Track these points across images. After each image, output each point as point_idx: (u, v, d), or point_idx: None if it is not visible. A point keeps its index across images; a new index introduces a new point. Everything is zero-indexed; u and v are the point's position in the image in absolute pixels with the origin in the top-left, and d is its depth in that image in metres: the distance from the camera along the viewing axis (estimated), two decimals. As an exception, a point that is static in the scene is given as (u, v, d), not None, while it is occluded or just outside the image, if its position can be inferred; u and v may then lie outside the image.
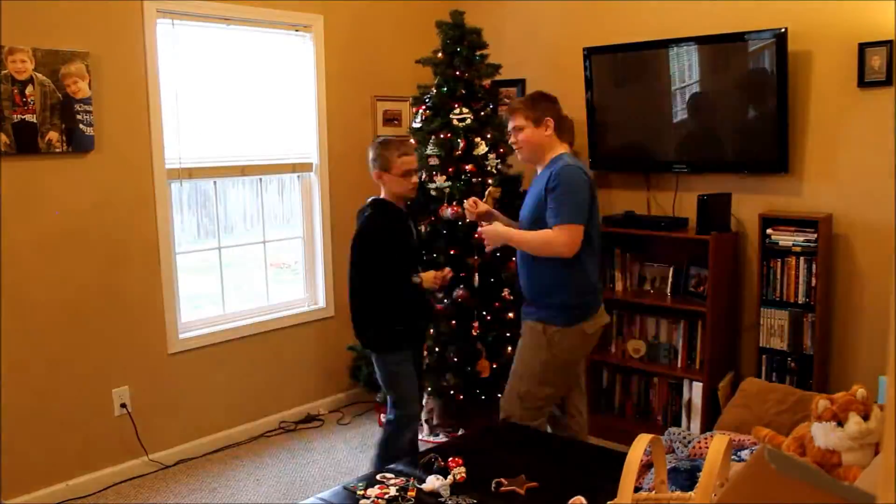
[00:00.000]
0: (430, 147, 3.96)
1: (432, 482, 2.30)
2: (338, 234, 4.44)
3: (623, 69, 4.10)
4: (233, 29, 3.95)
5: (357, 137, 4.52)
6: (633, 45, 4.00)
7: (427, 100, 4.09)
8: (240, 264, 4.20)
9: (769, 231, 3.56)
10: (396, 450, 3.08)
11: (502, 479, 2.32)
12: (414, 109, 4.20)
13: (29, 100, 3.17)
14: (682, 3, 3.95)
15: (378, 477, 2.41)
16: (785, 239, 3.52)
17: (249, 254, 4.24)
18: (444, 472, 2.37)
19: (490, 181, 3.96)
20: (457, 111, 3.95)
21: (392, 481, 2.35)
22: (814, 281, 3.46)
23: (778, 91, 3.54)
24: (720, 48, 3.71)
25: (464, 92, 3.99)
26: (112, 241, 3.51)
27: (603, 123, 4.20)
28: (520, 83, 4.63)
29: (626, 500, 1.54)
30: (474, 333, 3.92)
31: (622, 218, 4.04)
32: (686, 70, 3.83)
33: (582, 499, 2.19)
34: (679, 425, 3.87)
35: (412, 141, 4.13)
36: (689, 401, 3.84)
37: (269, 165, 4.18)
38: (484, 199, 3.94)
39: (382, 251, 3.05)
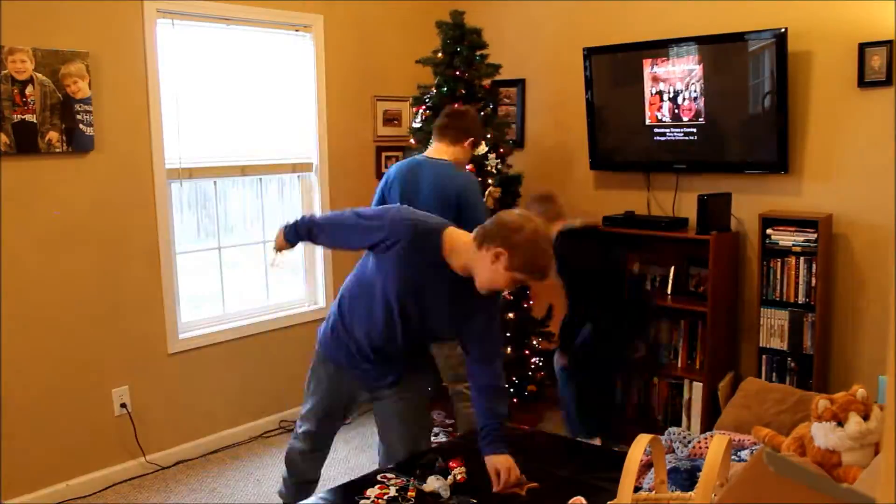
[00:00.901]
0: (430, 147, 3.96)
1: (432, 482, 2.30)
2: (338, 233, 4.44)
3: (623, 69, 4.10)
4: (233, 29, 3.95)
5: (357, 137, 4.52)
6: (633, 45, 4.00)
7: (427, 100, 4.09)
8: (240, 264, 4.20)
9: (769, 231, 3.56)
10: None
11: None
12: (414, 109, 4.20)
13: (29, 100, 3.17)
14: (682, 3, 3.95)
15: (378, 477, 2.41)
16: (785, 239, 3.52)
17: (249, 254, 4.24)
18: (444, 473, 2.37)
19: (490, 181, 3.96)
20: (457, 111, 3.94)
21: (392, 481, 2.35)
22: (814, 281, 3.46)
23: (778, 91, 3.54)
24: (720, 48, 3.71)
25: (464, 92, 3.99)
26: (112, 241, 3.51)
27: (603, 123, 4.19)
28: (520, 83, 4.63)
29: (626, 500, 1.55)
30: (474, 333, 3.92)
31: (622, 218, 4.04)
32: (686, 70, 3.83)
33: (582, 499, 2.19)
34: (679, 425, 3.87)
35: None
36: (689, 401, 3.84)
37: (269, 165, 4.18)
38: (484, 199, 3.95)
39: None
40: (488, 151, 3.97)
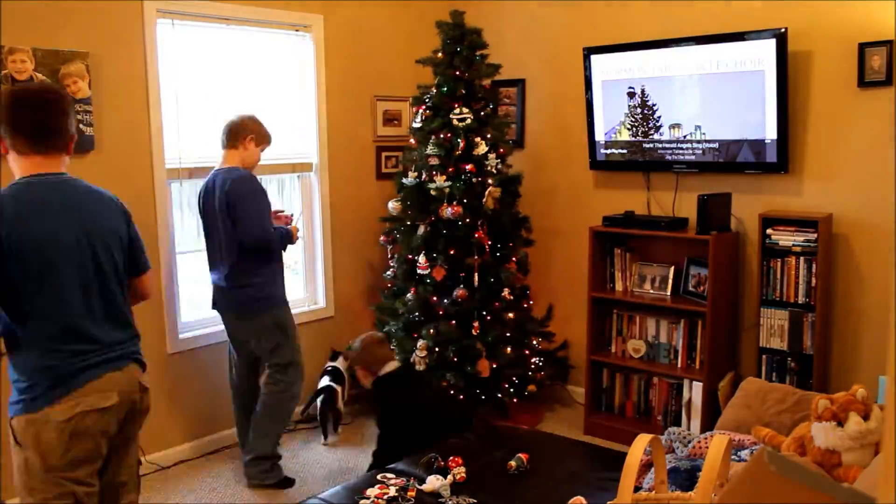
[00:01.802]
0: (430, 147, 3.97)
1: (432, 482, 2.30)
2: (338, 234, 4.44)
3: (623, 69, 4.10)
4: (233, 29, 3.95)
5: (357, 137, 4.52)
6: (633, 45, 4.00)
7: (427, 100, 4.09)
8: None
9: (769, 231, 3.56)
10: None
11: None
12: (414, 109, 4.20)
13: (29, 100, 3.16)
14: (682, 3, 3.95)
15: (378, 477, 2.41)
16: (785, 239, 3.52)
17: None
18: (444, 472, 2.37)
19: (490, 181, 3.96)
20: (457, 111, 3.95)
21: (392, 481, 2.36)
22: (814, 281, 3.46)
23: (778, 91, 3.54)
24: (720, 48, 3.71)
25: (464, 92, 3.99)
26: (112, 241, 3.51)
27: (603, 123, 4.19)
28: (520, 83, 4.63)
29: (626, 500, 1.55)
30: (474, 333, 3.92)
31: (622, 218, 4.04)
32: (686, 70, 3.83)
33: (582, 499, 2.19)
34: (679, 425, 3.87)
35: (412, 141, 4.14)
36: (689, 401, 3.84)
37: (269, 165, 4.18)
38: (484, 200, 3.95)
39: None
40: (488, 151, 3.97)
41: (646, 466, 2.27)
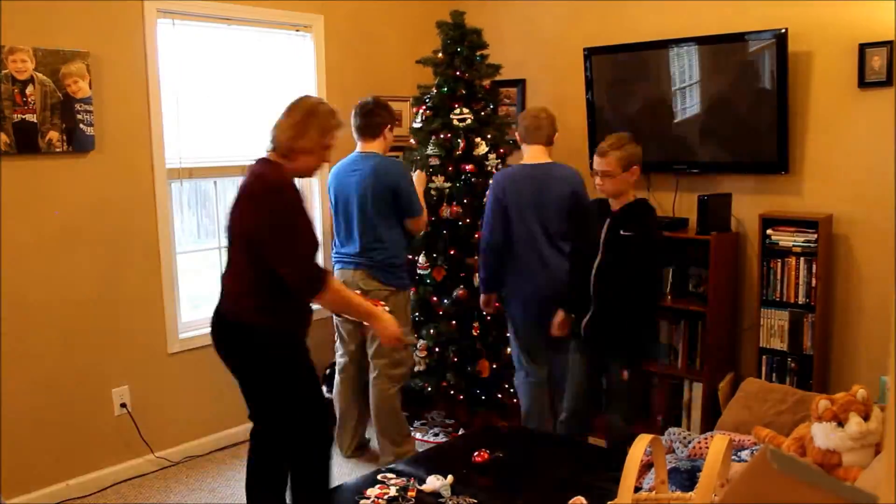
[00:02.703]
0: (430, 147, 3.97)
1: (432, 482, 2.30)
2: (338, 234, 4.44)
3: (623, 69, 4.10)
4: (233, 29, 3.95)
5: (357, 137, 4.51)
6: (633, 46, 4.00)
7: (427, 100, 4.09)
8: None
9: (769, 231, 3.56)
10: None
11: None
12: (414, 109, 4.20)
13: (29, 99, 3.17)
14: (682, 3, 3.95)
15: (378, 477, 2.41)
16: (785, 239, 3.52)
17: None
18: (445, 473, 2.37)
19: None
20: (457, 111, 3.95)
21: (392, 481, 2.36)
22: (814, 281, 3.46)
23: (778, 91, 3.54)
24: (720, 48, 3.71)
25: (464, 92, 3.99)
26: (112, 241, 3.51)
27: (603, 123, 4.19)
28: (520, 83, 4.63)
29: (626, 500, 1.55)
30: (474, 333, 3.92)
31: (622, 218, 4.03)
32: (686, 70, 3.83)
33: (582, 499, 2.19)
34: (679, 425, 3.87)
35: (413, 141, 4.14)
36: (689, 401, 3.84)
37: (270, 165, 4.18)
38: (485, 200, 3.94)
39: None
40: (489, 151, 3.97)
41: (646, 466, 2.26)
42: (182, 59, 3.76)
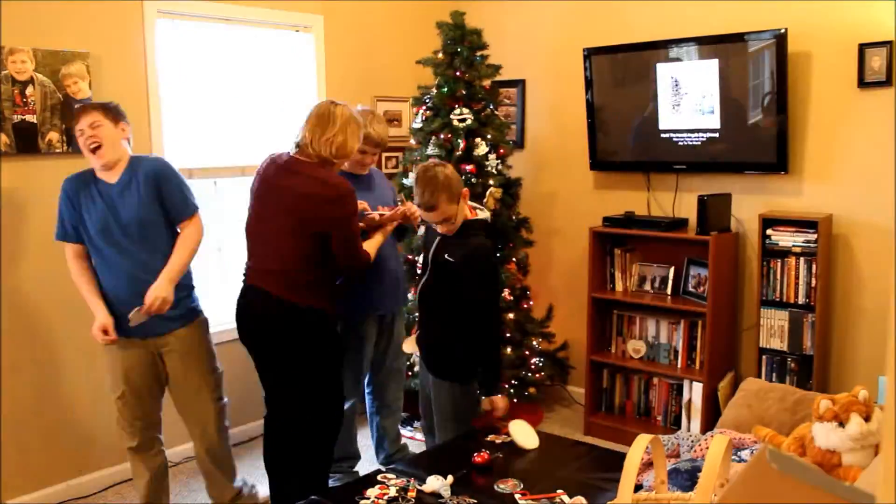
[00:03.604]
0: (430, 147, 3.97)
1: (432, 482, 2.30)
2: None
3: (623, 69, 4.10)
4: (233, 29, 3.95)
5: (357, 137, 4.52)
6: (633, 46, 4.00)
7: (427, 100, 4.09)
8: (240, 264, 4.18)
9: (769, 231, 3.56)
10: None
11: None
12: (414, 110, 4.20)
13: (29, 100, 3.17)
14: (682, 3, 3.95)
15: (378, 477, 2.41)
16: (785, 239, 3.52)
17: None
18: (445, 473, 2.37)
19: (491, 182, 3.96)
20: (457, 112, 3.95)
21: (392, 481, 2.36)
22: (814, 281, 3.46)
23: (778, 91, 3.54)
24: (720, 48, 3.71)
25: (464, 92, 3.99)
26: (112, 242, 3.51)
27: (603, 123, 4.20)
28: (520, 83, 4.63)
29: (626, 500, 1.55)
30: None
31: (622, 218, 4.04)
32: (686, 71, 3.83)
33: (582, 499, 2.19)
34: (679, 425, 3.88)
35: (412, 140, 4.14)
36: (689, 401, 3.84)
37: (270, 165, 4.18)
38: (485, 201, 3.95)
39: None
40: (489, 152, 3.97)
41: (646, 466, 2.27)
42: (182, 59, 3.76)
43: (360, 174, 3.31)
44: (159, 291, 2.76)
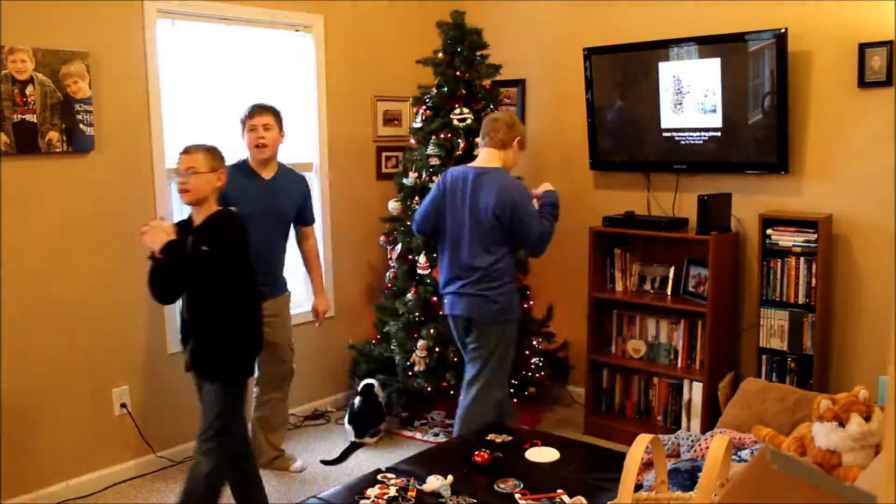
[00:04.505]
0: (430, 147, 3.97)
1: (432, 482, 2.30)
2: (338, 234, 4.44)
3: (623, 69, 4.10)
4: (233, 29, 3.95)
5: (357, 137, 4.52)
6: (633, 46, 4.00)
7: (427, 100, 4.09)
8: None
9: (769, 231, 3.56)
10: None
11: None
12: (414, 109, 4.20)
13: (29, 100, 3.17)
14: (682, 3, 3.95)
15: (378, 477, 2.41)
16: (785, 239, 3.52)
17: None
18: (445, 473, 2.37)
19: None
20: (457, 111, 3.95)
21: (392, 481, 2.36)
22: (814, 281, 3.46)
23: (778, 91, 3.54)
24: (720, 48, 3.71)
25: (464, 92, 3.99)
26: (112, 241, 3.51)
27: (603, 123, 4.19)
28: (520, 83, 4.63)
29: (626, 500, 1.55)
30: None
31: (622, 218, 4.04)
32: (686, 70, 3.83)
33: (582, 499, 2.19)
34: (679, 425, 3.88)
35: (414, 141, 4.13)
36: (689, 401, 3.84)
37: (270, 165, 4.18)
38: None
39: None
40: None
41: (646, 466, 2.26)
42: (182, 59, 3.76)
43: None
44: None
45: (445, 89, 3.99)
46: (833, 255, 3.60)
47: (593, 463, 2.52)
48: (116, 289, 3.54)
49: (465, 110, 3.95)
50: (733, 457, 2.16)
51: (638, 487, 2.03)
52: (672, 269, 4.00)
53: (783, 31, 3.48)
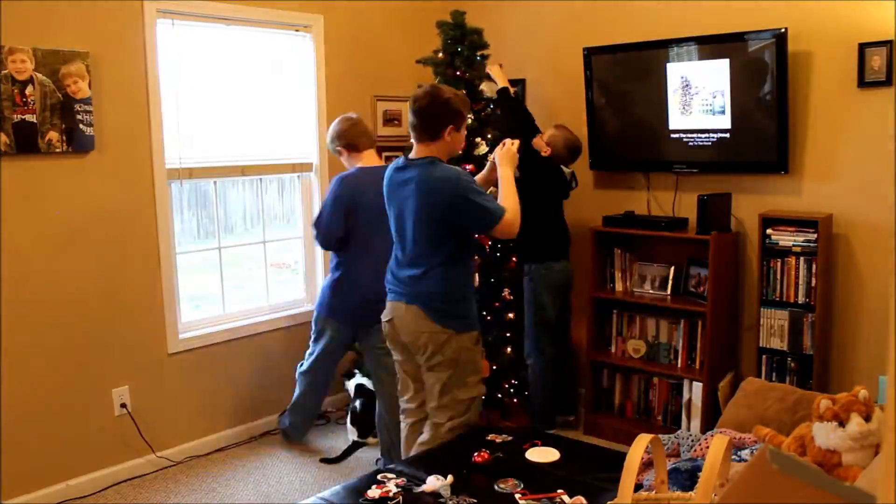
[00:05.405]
0: (430, 147, 3.96)
1: (432, 482, 2.30)
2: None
3: (623, 69, 4.10)
4: (233, 29, 3.95)
5: (357, 137, 4.51)
6: (633, 45, 4.00)
7: (427, 100, 4.08)
8: (240, 264, 4.20)
9: (769, 231, 3.56)
10: None
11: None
12: (414, 109, 4.19)
13: (29, 100, 3.17)
14: (682, 3, 3.95)
15: (379, 477, 2.41)
16: (785, 239, 3.52)
17: (249, 254, 4.24)
18: (445, 473, 2.37)
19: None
20: (457, 111, 3.94)
21: (392, 481, 2.36)
22: (814, 281, 3.46)
23: (778, 91, 3.54)
24: (720, 48, 3.71)
25: (464, 92, 3.98)
26: (112, 241, 3.51)
27: (603, 123, 4.19)
28: (520, 83, 4.62)
29: (626, 500, 1.55)
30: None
31: (622, 218, 4.04)
32: (686, 70, 3.83)
33: (582, 499, 2.19)
34: (679, 425, 3.88)
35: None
36: (689, 401, 3.84)
37: (269, 165, 4.18)
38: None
39: None
40: (489, 151, 3.97)
41: (646, 466, 2.26)
42: (182, 59, 3.76)
43: None
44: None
45: (445, 89, 3.98)
46: (833, 255, 3.60)
47: (593, 463, 2.52)
48: (116, 289, 3.54)
49: (465, 110, 3.94)
50: (733, 457, 2.16)
51: (638, 487, 2.03)
52: (672, 268, 4.00)
53: (783, 30, 3.48)
